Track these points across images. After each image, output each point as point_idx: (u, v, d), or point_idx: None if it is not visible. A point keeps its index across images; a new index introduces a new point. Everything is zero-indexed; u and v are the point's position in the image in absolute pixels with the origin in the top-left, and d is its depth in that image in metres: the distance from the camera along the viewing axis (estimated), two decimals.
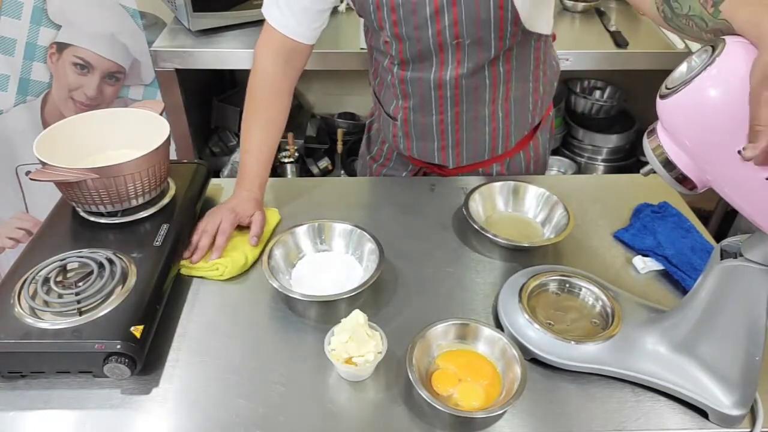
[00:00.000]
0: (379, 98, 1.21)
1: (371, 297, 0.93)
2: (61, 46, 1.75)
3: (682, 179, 0.65)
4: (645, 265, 1.00)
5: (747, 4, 0.58)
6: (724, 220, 2.08)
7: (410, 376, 0.76)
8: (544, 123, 1.25)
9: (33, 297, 0.82)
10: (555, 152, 2.27)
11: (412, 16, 0.98)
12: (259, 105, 1.10)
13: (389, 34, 1.02)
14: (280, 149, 2.06)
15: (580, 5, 1.93)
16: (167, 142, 0.98)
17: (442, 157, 1.19)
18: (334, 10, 1.36)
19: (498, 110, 1.12)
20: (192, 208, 1.04)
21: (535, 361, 0.83)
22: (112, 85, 1.87)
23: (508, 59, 1.06)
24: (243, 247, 0.99)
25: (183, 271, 0.97)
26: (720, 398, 0.76)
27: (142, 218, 0.97)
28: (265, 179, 1.08)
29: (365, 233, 0.98)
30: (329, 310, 0.91)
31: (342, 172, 2.11)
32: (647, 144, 0.67)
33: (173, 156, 1.78)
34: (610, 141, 2.17)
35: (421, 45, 1.01)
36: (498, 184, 1.12)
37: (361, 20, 1.12)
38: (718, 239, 0.79)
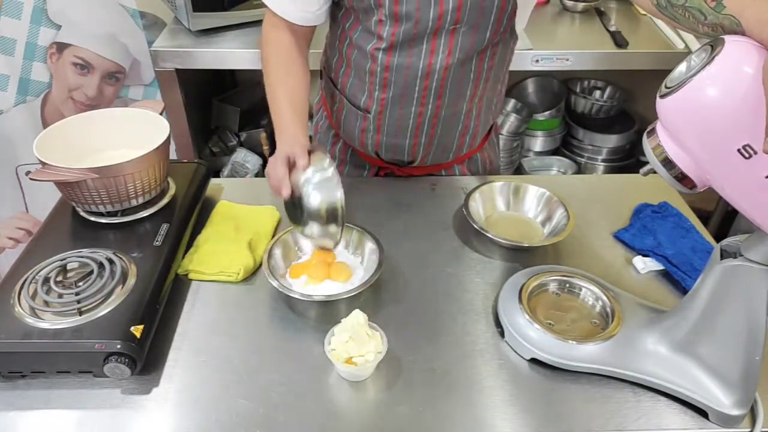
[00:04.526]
0: (345, 93, 1.17)
1: (371, 297, 0.93)
2: (61, 46, 1.75)
3: (682, 178, 0.65)
4: (645, 265, 1.00)
5: (754, 1, 0.58)
6: (724, 220, 2.08)
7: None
8: (496, 125, 1.29)
9: (33, 297, 0.82)
10: (555, 152, 2.27)
11: None
12: (277, 69, 1.06)
13: (387, 13, 0.99)
14: None
15: (580, 5, 1.93)
16: (167, 142, 0.98)
17: (413, 153, 1.17)
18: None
19: (474, 108, 1.12)
20: (192, 208, 1.04)
21: (535, 361, 0.83)
22: (112, 85, 1.87)
23: (492, 55, 1.05)
24: (252, 248, 0.99)
25: (192, 276, 0.96)
26: (720, 398, 0.76)
27: (142, 218, 0.97)
28: (301, 130, 1.00)
29: (365, 233, 0.98)
30: (329, 310, 0.91)
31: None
32: (647, 143, 0.67)
33: (173, 156, 1.78)
34: (610, 141, 2.17)
35: (418, 27, 0.99)
36: (498, 184, 1.12)
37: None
38: (718, 239, 0.79)
